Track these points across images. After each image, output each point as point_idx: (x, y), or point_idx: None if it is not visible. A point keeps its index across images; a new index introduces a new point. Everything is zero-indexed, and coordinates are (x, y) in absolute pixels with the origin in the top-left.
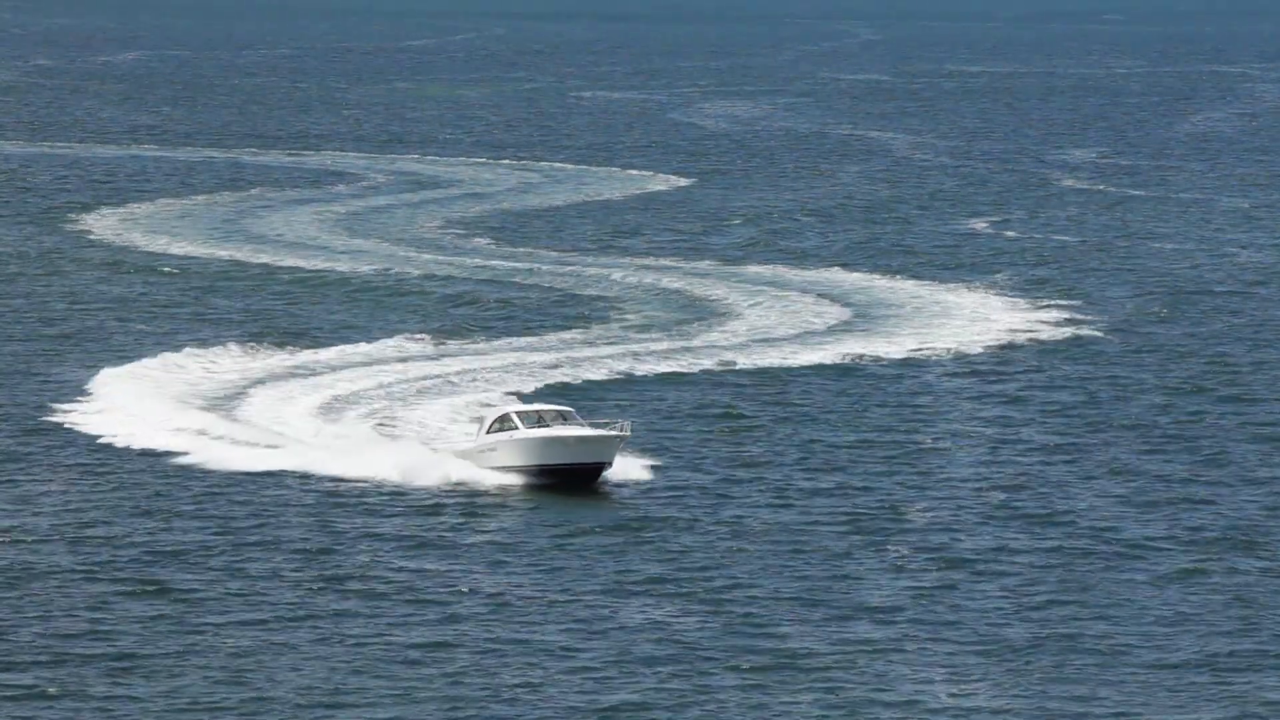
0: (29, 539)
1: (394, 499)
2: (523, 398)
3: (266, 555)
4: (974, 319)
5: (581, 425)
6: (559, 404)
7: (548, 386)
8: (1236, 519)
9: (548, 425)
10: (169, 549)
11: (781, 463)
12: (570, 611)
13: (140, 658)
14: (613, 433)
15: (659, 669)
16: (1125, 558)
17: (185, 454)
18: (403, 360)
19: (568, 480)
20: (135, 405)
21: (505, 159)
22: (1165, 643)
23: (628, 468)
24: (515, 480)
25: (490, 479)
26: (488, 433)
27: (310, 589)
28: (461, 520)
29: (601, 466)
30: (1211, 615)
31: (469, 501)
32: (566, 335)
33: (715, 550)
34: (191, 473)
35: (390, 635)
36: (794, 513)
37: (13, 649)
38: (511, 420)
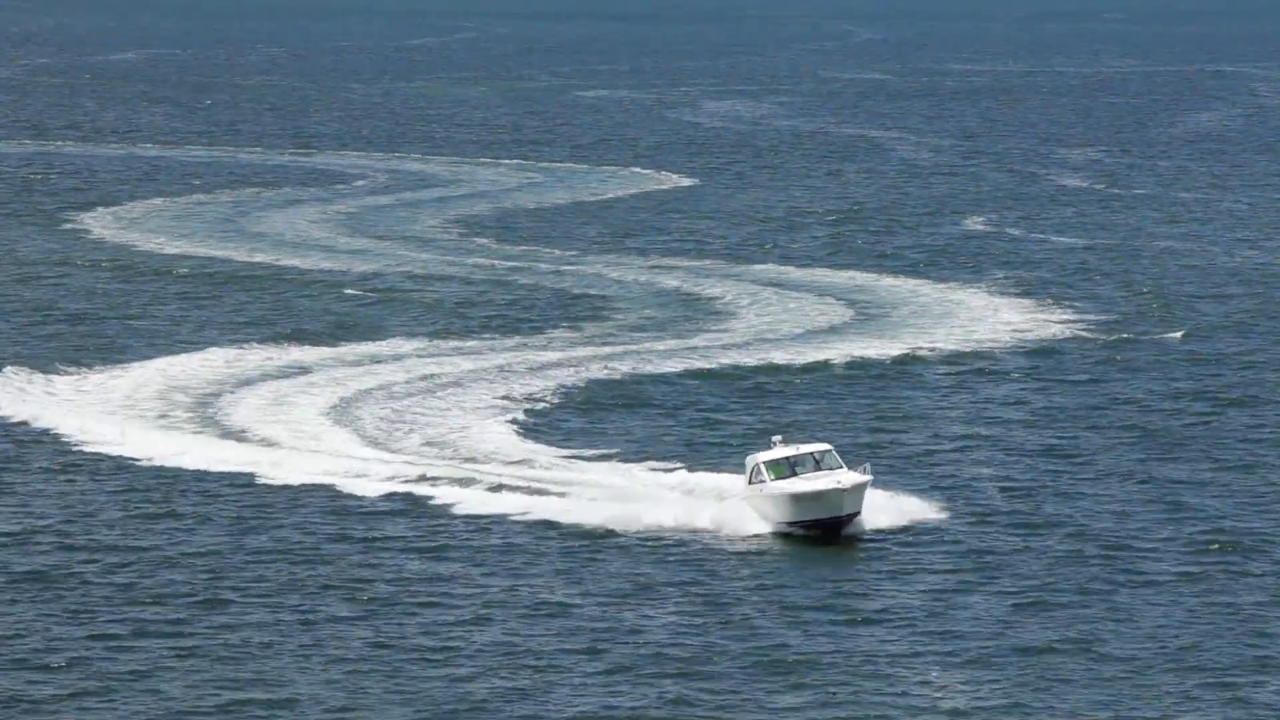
0: (28, 543)
1: (401, 505)
2: (784, 439)
3: (272, 562)
4: (977, 319)
5: (835, 469)
6: (817, 444)
7: (548, 386)
8: (1240, 522)
9: (797, 474)
10: (173, 555)
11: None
12: (573, 617)
13: (147, 660)
14: (856, 480)
15: (665, 672)
16: (1128, 560)
17: (179, 457)
18: (404, 360)
19: (818, 532)
20: (129, 406)
21: (505, 159)
22: (1169, 646)
23: (879, 513)
24: (772, 532)
25: (755, 528)
26: (749, 483)
27: (315, 594)
28: (465, 526)
29: (849, 517)
30: (1215, 619)
31: (470, 509)
32: (566, 335)
33: (718, 553)
34: (182, 476)
35: (393, 640)
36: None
37: (18, 653)
38: (761, 472)
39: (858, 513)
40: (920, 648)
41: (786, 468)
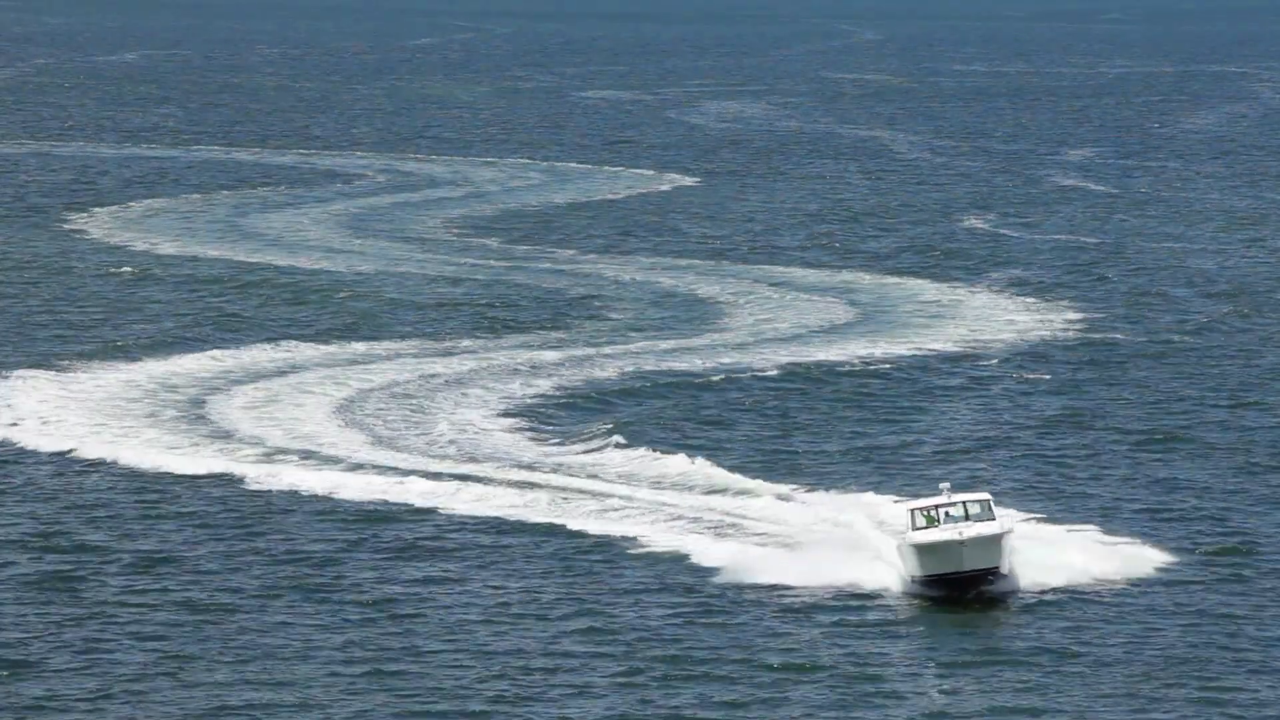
0: (23, 546)
1: (401, 506)
2: (953, 485)
3: (271, 564)
4: (978, 319)
5: (984, 521)
6: (976, 494)
7: (549, 386)
8: (1246, 523)
9: (938, 524)
10: (170, 558)
11: (784, 465)
12: (560, 621)
13: (145, 664)
14: (980, 532)
15: (665, 674)
16: (1131, 560)
17: (176, 459)
18: (403, 360)
19: (954, 590)
20: (127, 407)
21: (506, 159)
22: (1171, 651)
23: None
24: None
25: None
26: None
27: (316, 597)
28: (466, 528)
29: (977, 575)
30: (1220, 622)
31: (471, 511)
32: (567, 335)
33: (721, 556)
34: (181, 479)
35: (394, 643)
36: (803, 513)
37: (16, 656)
38: (909, 520)
39: (992, 569)
40: (915, 649)
41: (936, 517)
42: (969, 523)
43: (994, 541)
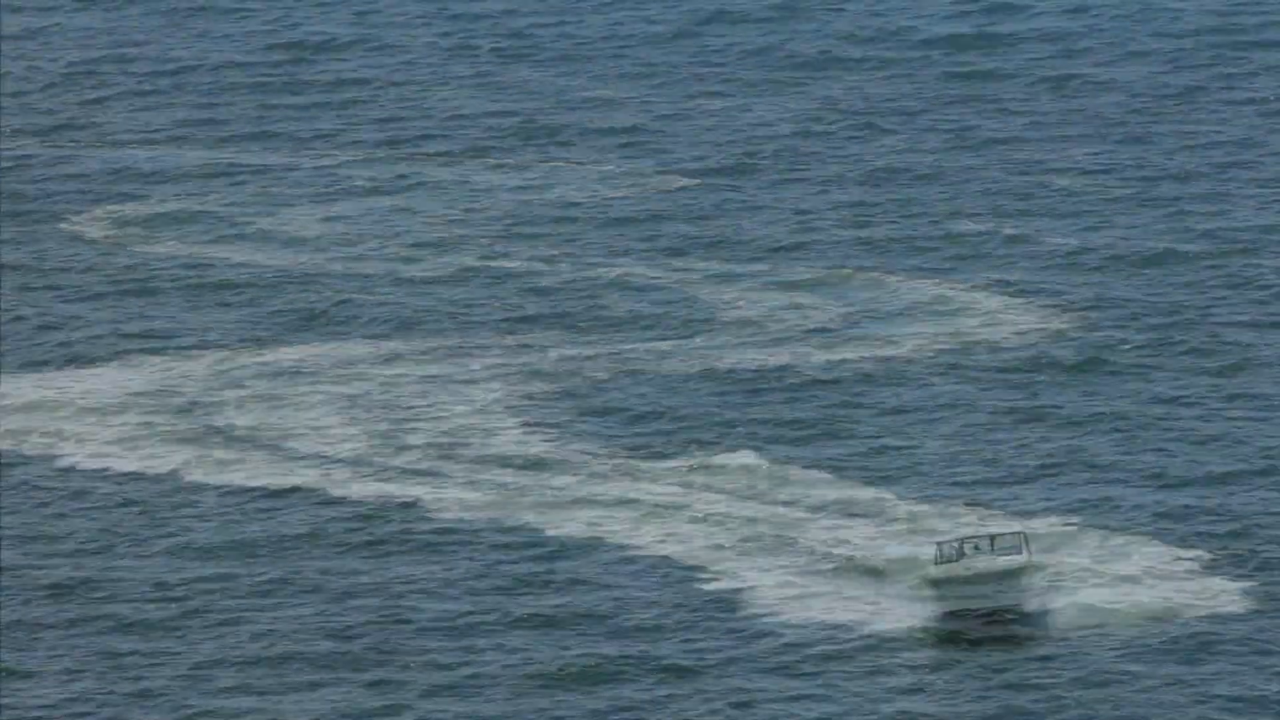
0: (19, 549)
1: (399, 507)
2: (969, 499)
3: (270, 565)
4: (978, 319)
5: (1008, 555)
6: (1009, 527)
7: (548, 386)
8: (1252, 525)
9: (963, 557)
10: (167, 560)
11: (786, 465)
12: (560, 621)
13: (142, 667)
14: (988, 566)
15: (664, 676)
16: (1135, 561)
17: (174, 460)
18: (403, 360)
19: (969, 625)
20: (126, 408)
21: (505, 159)
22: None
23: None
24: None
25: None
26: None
27: (315, 599)
28: (465, 529)
29: (1003, 610)
30: (1224, 625)
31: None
32: (567, 335)
33: (720, 557)
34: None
35: (394, 646)
36: (802, 513)
37: (17, 660)
38: (934, 552)
39: (1011, 606)
40: (914, 653)
41: (961, 550)
42: (991, 557)
43: (1010, 576)
